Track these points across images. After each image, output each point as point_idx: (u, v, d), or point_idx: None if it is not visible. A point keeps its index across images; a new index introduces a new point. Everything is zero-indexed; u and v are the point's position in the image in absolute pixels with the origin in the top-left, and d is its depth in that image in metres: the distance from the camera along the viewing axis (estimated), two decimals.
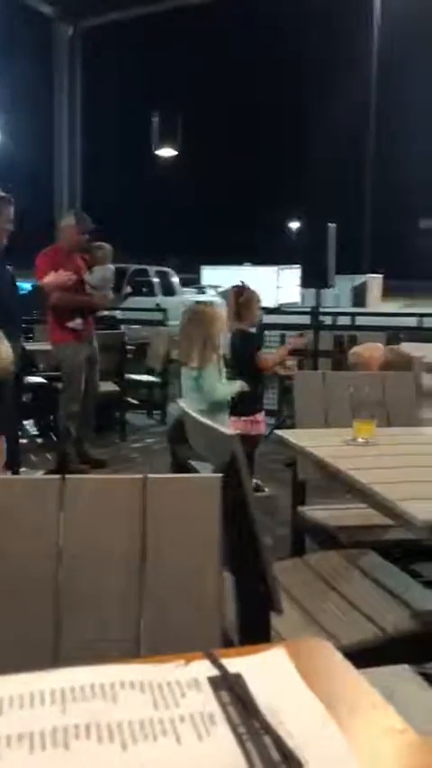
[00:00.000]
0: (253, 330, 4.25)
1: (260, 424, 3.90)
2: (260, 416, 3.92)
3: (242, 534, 1.36)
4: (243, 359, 3.79)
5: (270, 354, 4.12)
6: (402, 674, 1.02)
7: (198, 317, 3.38)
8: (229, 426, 3.50)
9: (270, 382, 5.37)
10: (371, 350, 3.78)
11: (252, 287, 4.08)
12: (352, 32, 29.59)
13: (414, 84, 34.68)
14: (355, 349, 3.96)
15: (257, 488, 3.97)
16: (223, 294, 7.34)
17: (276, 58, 36.25)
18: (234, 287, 4.11)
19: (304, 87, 37.98)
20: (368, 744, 0.53)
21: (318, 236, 6.48)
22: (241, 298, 3.86)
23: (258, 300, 4.08)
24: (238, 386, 3.45)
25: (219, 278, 21.50)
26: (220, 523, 1.17)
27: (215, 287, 17.67)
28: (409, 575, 2.03)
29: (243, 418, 3.73)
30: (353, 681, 0.61)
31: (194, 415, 1.79)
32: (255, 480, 4.04)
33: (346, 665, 0.63)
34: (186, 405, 3.37)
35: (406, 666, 1.03)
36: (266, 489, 3.91)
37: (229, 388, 3.41)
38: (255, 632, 1.31)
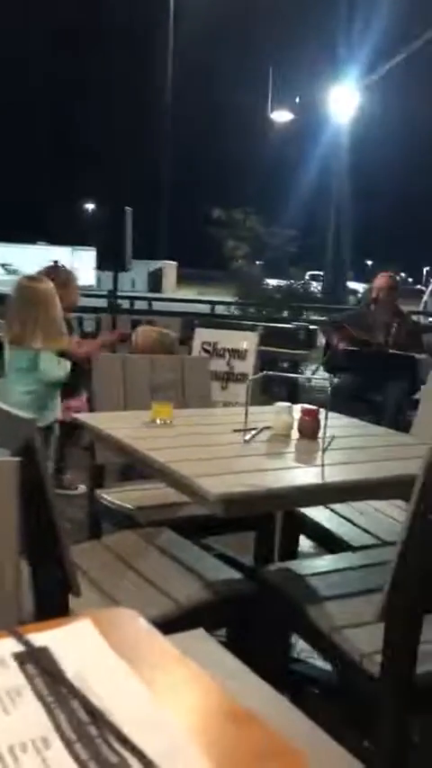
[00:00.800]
0: (70, 315, 3.96)
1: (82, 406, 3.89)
2: (79, 401, 3.91)
3: (40, 520, 1.35)
4: None
5: (81, 347, 4.02)
6: (198, 636, 1.10)
7: (39, 295, 3.25)
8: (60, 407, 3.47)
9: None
10: (146, 332, 4.14)
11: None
12: (149, 17, 29.70)
13: (210, 71, 35.61)
14: (135, 330, 4.27)
15: (70, 485, 3.92)
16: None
17: (77, 35, 35.08)
18: (47, 267, 3.94)
19: (106, 64, 37.23)
20: (173, 694, 0.57)
21: (114, 218, 6.45)
22: (58, 280, 3.58)
23: (76, 281, 4.01)
24: (67, 366, 3.39)
25: (9, 256, 20.50)
26: (17, 510, 1.15)
27: (5, 265, 16.80)
28: (202, 548, 2.14)
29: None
30: (157, 643, 0.65)
31: None
32: (67, 476, 3.98)
33: (151, 630, 0.67)
34: (11, 386, 3.25)
35: (201, 630, 1.11)
36: (79, 486, 3.85)
37: (64, 368, 3.35)
38: (53, 617, 1.30)
